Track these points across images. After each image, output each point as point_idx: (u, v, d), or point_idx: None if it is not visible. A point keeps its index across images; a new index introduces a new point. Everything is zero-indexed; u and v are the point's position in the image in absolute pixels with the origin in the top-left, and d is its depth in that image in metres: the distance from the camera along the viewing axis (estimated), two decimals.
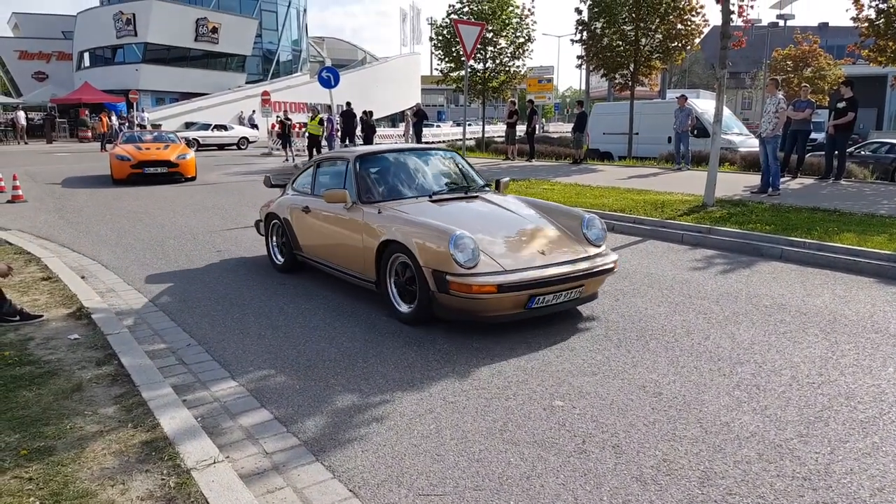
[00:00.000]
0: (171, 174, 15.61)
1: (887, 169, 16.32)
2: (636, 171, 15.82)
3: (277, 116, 22.08)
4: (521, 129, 22.38)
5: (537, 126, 22.93)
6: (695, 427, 3.27)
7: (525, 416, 3.46)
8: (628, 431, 3.26)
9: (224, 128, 31.65)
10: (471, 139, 30.51)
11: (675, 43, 18.88)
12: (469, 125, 43.57)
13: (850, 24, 15.33)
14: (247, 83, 46.36)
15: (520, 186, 12.51)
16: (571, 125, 20.57)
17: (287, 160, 21.06)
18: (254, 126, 37.08)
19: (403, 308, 4.95)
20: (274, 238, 6.81)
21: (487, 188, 5.97)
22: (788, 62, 29.14)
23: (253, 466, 2.98)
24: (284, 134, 21.58)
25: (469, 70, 22.79)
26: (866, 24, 14.55)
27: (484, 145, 24.62)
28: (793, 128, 12.29)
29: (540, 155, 20.40)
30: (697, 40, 19.66)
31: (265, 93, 30.70)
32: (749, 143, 17.34)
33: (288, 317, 5.23)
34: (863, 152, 16.97)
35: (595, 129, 20.82)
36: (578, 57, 21.36)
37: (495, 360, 4.22)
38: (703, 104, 19.25)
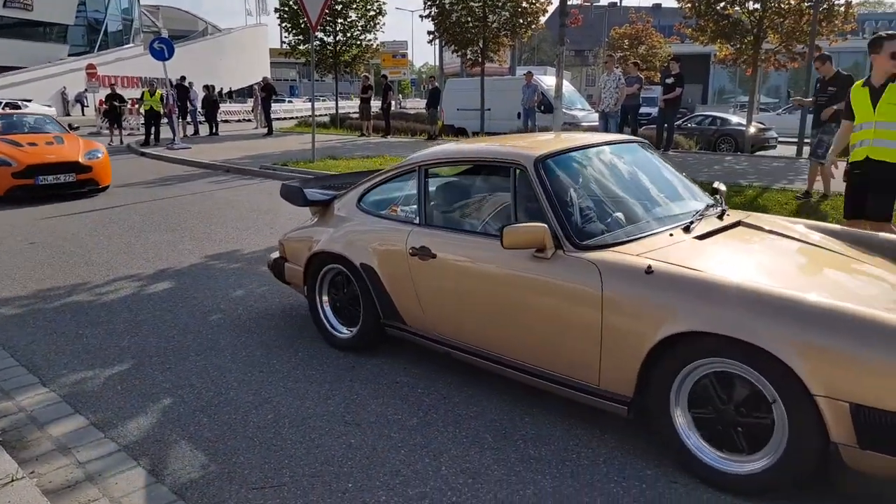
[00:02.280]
0: (79, 184, 9.95)
1: (710, 140, 18.03)
2: None
3: (108, 92, 20.21)
4: (376, 104, 22.20)
5: (392, 102, 22.85)
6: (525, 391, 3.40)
7: (370, 395, 3.44)
8: (468, 403, 3.34)
9: (16, 105, 24.87)
10: (325, 115, 29.92)
11: (521, 20, 19.50)
12: (323, 100, 42.70)
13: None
14: (70, 56, 42.05)
15: (373, 163, 12.41)
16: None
17: (112, 142, 19.35)
18: (80, 103, 33.76)
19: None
20: (327, 296, 4.17)
21: (718, 200, 3.66)
22: (625, 40, 31.25)
23: (63, 479, 2.71)
24: (114, 112, 19.79)
25: (318, 43, 22.19)
26: (689, 5, 15.85)
27: (338, 121, 24.17)
28: (623, 103, 13.17)
29: (396, 131, 20.36)
30: (543, 18, 20.45)
31: (90, 66, 27.98)
32: (591, 118, 18.36)
33: (112, 311, 4.81)
34: (689, 125, 18.60)
35: (449, 105, 21.11)
36: (429, 32, 21.46)
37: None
38: (550, 81, 20.08)
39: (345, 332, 4.05)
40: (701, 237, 3.11)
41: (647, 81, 17.10)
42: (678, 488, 2.59)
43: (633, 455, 2.82)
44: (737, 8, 15.32)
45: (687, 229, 3.14)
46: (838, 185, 6.09)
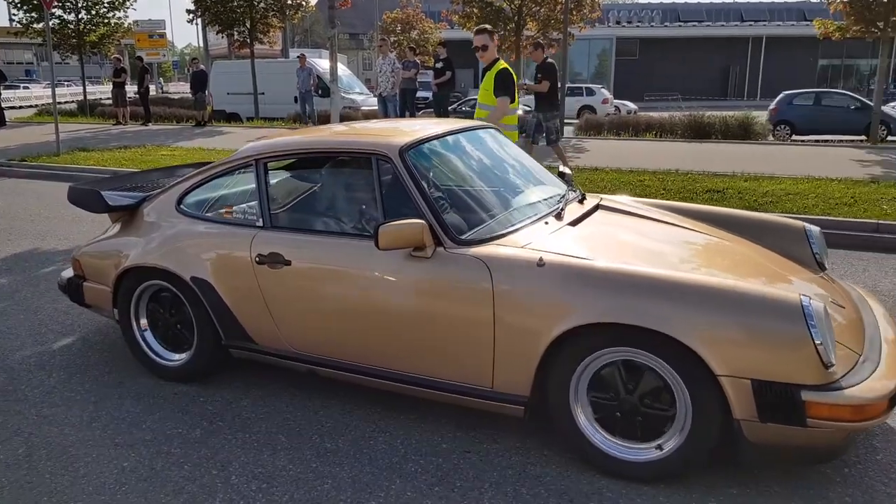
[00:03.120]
0: None
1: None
2: (265, 131, 15.66)
3: None
4: (132, 90, 20.21)
5: (151, 86, 20.97)
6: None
7: (143, 412, 3.13)
8: (256, 405, 3.19)
9: None
10: (71, 102, 26.59)
11: (290, 1, 18.98)
12: (68, 85, 37.84)
13: None
14: None
15: (133, 154, 11.31)
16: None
17: None
18: None
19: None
20: (146, 318, 3.55)
21: (571, 184, 3.67)
22: (397, 25, 31.95)
23: None
24: None
25: (57, 21, 19.58)
26: None
27: (88, 109, 21.60)
28: (401, 86, 13.49)
29: (158, 118, 18.74)
30: (313, 0, 20.11)
31: None
32: (370, 102, 18.53)
33: None
34: (463, 108, 19.60)
35: (218, 88, 19.89)
36: (189, 11, 19.99)
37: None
38: (325, 64, 19.86)
39: (174, 358, 3.47)
40: (573, 223, 3.08)
41: (423, 66, 17.65)
42: (471, 457, 2.72)
43: (428, 432, 2.91)
44: None
45: (559, 216, 3.09)
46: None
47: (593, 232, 3.08)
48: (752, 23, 44.64)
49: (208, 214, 3.40)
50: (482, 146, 3.55)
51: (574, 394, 2.54)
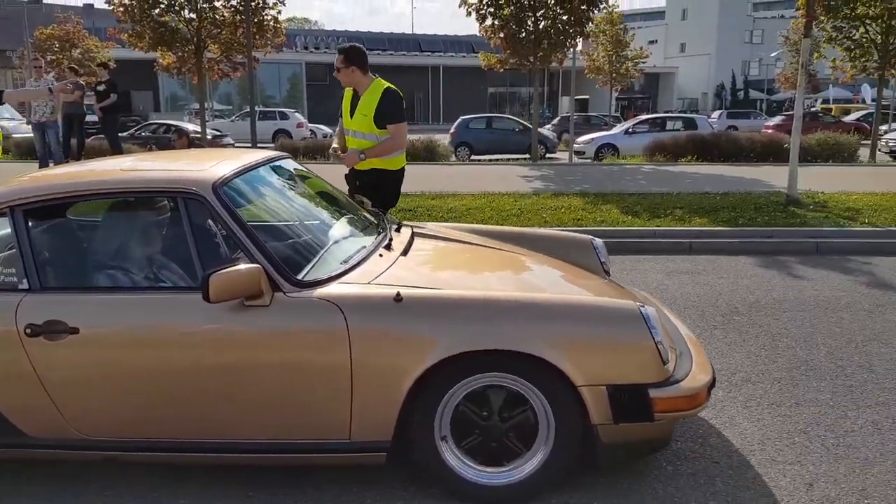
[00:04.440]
0: None
1: (171, 148, 17.92)
2: None
3: None
4: None
5: None
6: None
7: None
8: None
9: None
10: None
11: None
12: None
13: None
14: None
15: None
16: None
17: None
18: None
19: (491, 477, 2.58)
20: None
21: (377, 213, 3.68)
22: (55, 42, 28.28)
23: None
24: None
25: None
26: (122, 10, 15.28)
27: None
28: (65, 111, 11.97)
29: None
30: None
31: None
32: (23, 130, 16.12)
33: None
34: (144, 133, 18.15)
35: None
36: None
37: None
38: None
39: None
40: (404, 253, 3.02)
41: (90, 88, 15.86)
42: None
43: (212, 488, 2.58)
44: (173, 15, 15.51)
45: (389, 247, 2.99)
46: None
47: (425, 260, 3.10)
48: (429, 53, 49.23)
49: None
50: (291, 178, 3.36)
51: (439, 429, 2.49)
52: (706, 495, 2.63)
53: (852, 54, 16.40)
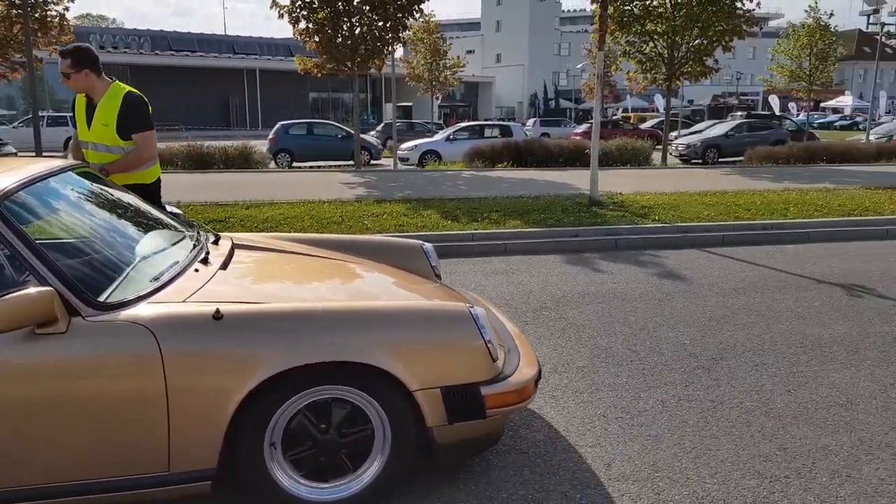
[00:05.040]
0: None
1: None
2: None
3: None
4: None
5: None
6: None
7: None
8: None
9: None
10: None
11: None
12: None
13: None
14: None
15: None
16: None
17: None
18: None
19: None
20: None
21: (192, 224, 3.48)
22: None
23: None
24: None
25: None
26: None
27: None
28: None
29: None
30: None
31: None
32: None
33: None
34: None
35: None
36: None
37: None
38: None
39: None
40: (223, 267, 2.88)
41: None
42: None
43: None
44: None
45: (205, 261, 2.84)
46: None
47: (247, 273, 2.98)
48: (244, 56, 47.50)
49: None
50: (88, 190, 3.05)
51: (270, 451, 2.39)
52: (516, 486, 2.75)
53: (643, 67, 18.21)
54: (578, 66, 48.75)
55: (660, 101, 34.90)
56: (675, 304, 5.27)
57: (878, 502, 2.65)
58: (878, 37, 23.78)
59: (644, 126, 30.40)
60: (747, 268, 6.45)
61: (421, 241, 3.90)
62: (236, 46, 50.47)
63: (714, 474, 2.84)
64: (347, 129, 20.11)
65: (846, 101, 53.46)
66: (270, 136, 18.98)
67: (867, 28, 37.79)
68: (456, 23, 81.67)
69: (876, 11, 23.82)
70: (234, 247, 3.25)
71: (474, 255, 6.95)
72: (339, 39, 15.23)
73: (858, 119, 42.78)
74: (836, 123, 47.95)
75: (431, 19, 30.06)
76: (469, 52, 61.21)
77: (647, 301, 5.34)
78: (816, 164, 17.02)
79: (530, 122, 37.65)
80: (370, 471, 2.51)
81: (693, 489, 2.73)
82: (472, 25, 76.80)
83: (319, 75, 16.39)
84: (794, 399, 3.57)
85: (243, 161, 14.81)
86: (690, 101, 50.58)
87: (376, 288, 3.25)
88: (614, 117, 37.71)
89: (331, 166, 17.45)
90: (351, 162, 17.33)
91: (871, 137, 22.90)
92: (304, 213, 8.19)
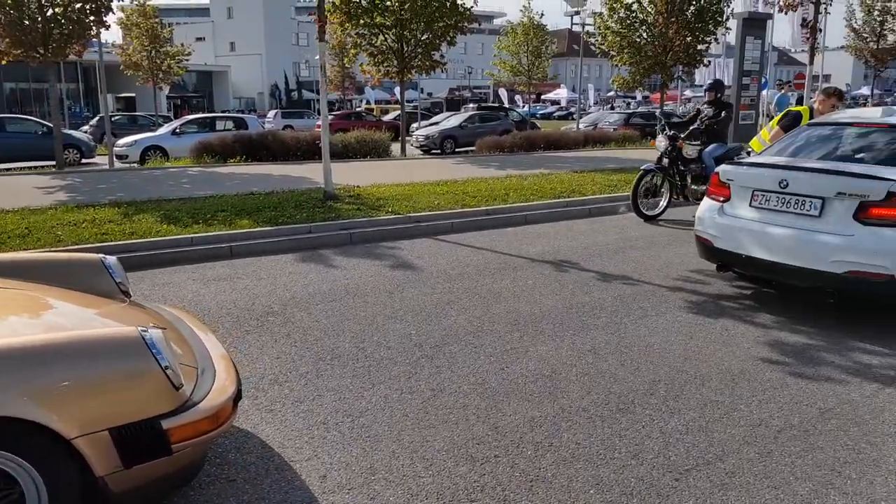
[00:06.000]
0: None
1: None
2: None
3: None
4: None
5: None
6: None
7: None
8: None
9: None
10: None
11: None
12: None
13: None
14: None
15: None
16: None
17: None
18: None
19: None
20: None
21: None
22: None
23: None
24: None
25: None
26: None
27: None
28: None
29: None
30: None
31: None
32: None
33: None
34: None
35: None
36: None
37: None
38: None
39: None
40: None
41: None
42: None
43: None
44: None
45: None
46: None
47: None
48: None
49: None
50: None
51: None
52: None
53: (375, 60, 18.54)
54: (317, 58, 48.53)
55: (398, 93, 36.09)
56: (404, 294, 5.36)
57: (575, 466, 2.87)
58: (582, 36, 26.94)
59: (387, 118, 31.16)
60: (473, 252, 6.82)
61: (101, 255, 3.41)
62: None
63: (429, 467, 2.87)
64: (48, 123, 17.68)
65: (562, 93, 60.33)
66: None
67: (572, 27, 42.86)
68: (182, 7, 76.41)
69: (577, 13, 26.96)
70: None
71: (195, 260, 6.43)
72: (28, 22, 13.26)
73: (573, 109, 48.40)
74: (554, 114, 53.63)
75: (148, 2, 27.65)
76: (199, 38, 57.63)
77: (377, 294, 5.35)
78: (536, 151, 18.78)
79: (272, 113, 36.58)
80: None
81: (408, 486, 2.73)
82: (200, 11, 72.37)
83: (4, 62, 14.12)
84: (506, 376, 3.78)
85: None
86: (430, 94, 53.15)
87: (27, 321, 2.71)
88: (357, 109, 38.16)
89: (25, 168, 15.20)
90: (53, 162, 15.24)
91: (581, 126, 25.93)
92: None
